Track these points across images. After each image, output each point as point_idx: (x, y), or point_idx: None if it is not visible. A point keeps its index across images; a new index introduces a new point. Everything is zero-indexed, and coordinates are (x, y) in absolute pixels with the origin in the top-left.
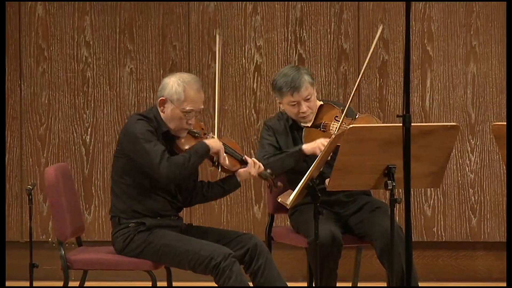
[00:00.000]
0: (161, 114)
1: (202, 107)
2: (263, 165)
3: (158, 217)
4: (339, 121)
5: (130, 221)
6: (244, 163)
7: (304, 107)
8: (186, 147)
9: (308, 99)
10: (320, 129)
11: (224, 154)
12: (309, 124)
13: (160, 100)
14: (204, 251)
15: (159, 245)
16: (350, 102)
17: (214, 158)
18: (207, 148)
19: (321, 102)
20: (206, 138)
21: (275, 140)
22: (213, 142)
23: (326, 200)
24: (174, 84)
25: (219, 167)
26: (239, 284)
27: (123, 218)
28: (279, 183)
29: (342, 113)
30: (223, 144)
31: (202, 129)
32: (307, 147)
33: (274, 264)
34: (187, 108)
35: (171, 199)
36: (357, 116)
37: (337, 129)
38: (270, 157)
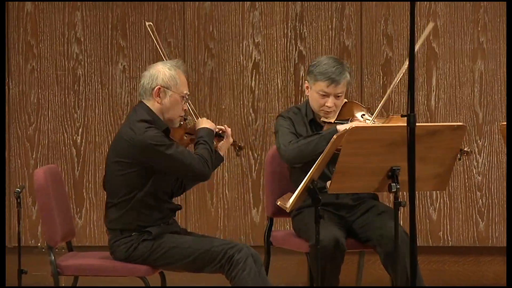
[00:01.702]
0: (156, 106)
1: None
2: (291, 150)
3: (161, 224)
4: (369, 119)
5: (133, 231)
6: (221, 136)
7: (331, 102)
8: (180, 140)
9: (339, 96)
10: None
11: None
12: (332, 120)
13: (156, 89)
14: (215, 247)
15: (166, 248)
16: (383, 104)
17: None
18: (210, 132)
19: (345, 100)
20: (187, 123)
21: (294, 129)
22: (207, 123)
23: (332, 202)
24: (165, 70)
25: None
26: (252, 278)
27: (126, 230)
28: (241, 144)
29: (368, 112)
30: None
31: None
32: (342, 128)
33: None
34: (185, 91)
35: (169, 201)
36: (390, 116)
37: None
38: (299, 141)
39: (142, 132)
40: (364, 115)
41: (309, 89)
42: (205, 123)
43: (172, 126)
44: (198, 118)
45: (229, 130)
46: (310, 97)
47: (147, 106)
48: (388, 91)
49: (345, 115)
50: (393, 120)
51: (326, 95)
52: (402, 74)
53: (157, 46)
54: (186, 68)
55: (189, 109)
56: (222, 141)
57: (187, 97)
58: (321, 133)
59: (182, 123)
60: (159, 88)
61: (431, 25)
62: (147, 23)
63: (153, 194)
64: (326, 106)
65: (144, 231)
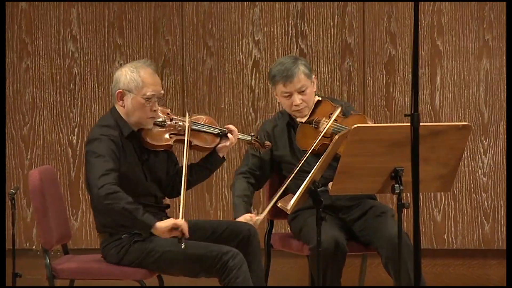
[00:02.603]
0: (121, 110)
1: (163, 92)
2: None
3: None
4: (330, 118)
5: (122, 233)
6: (221, 135)
7: (297, 99)
8: (158, 141)
9: (302, 91)
10: (312, 125)
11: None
12: (303, 120)
13: (118, 93)
14: (210, 252)
15: (160, 252)
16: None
17: (179, 235)
18: (150, 223)
19: (319, 98)
20: (174, 124)
21: (269, 153)
22: (164, 223)
23: (330, 205)
24: (127, 73)
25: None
26: (246, 285)
27: (115, 233)
28: (266, 142)
29: (340, 111)
30: (194, 122)
31: (168, 114)
32: (160, 225)
33: (260, 260)
34: (148, 93)
35: (155, 202)
36: (351, 113)
37: (326, 127)
38: (243, 177)
39: (90, 137)
40: (331, 114)
41: (276, 95)
42: (162, 223)
43: (145, 127)
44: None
45: (235, 131)
46: (280, 102)
47: (117, 113)
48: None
49: (315, 114)
50: (350, 119)
51: (289, 94)
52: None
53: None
54: (156, 67)
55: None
56: (225, 144)
57: (155, 97)
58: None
59: (164, 123)
60: (121, 92)
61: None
62: (187, 119)
63: (131, 197)
64: (295, 105)
65: (134, 233)
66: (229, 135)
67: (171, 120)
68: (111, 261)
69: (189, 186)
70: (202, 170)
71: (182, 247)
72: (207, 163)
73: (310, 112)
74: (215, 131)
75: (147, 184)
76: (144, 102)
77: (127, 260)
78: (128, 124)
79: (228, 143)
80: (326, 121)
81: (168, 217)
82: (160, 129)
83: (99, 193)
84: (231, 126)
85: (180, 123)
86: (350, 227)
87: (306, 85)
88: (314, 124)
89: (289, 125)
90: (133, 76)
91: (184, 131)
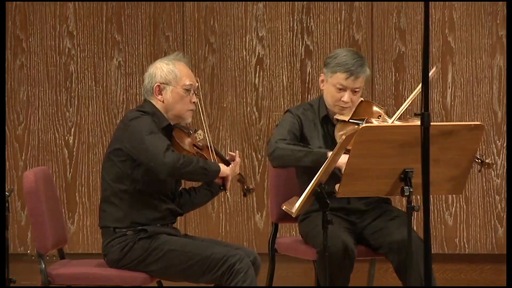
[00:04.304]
0: (160, 104)
1: (198, 84)
2: (274, 149)
3: (158, 225)
4: (385, 121)
5: (128, 229)
6: (228, 163)
7: (347, 97)
8: (183, 142)
9: (357, 91)
10: (359, 125)
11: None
12: (346, 118)
13: (156, 87)
14: (216, 254)
15: (164, 251)
16: (404, 109)
17: (221, 183)
18: (218, 169)
19: (362, 99)
20: (196, 136)
21: (299, 129)
22: (223, 167)
23: (343, 207)
24: (162, 66)
25: (226, 191)
26: None
27: (119, 228)
28: (251, 186)
29: (386, 114)
30: (214, 147)
31: (190, 127)
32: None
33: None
34: (187, 82)
35: (171, 205)
36: (409, 118)
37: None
38: (290, 146)
39: (134, 117)
40: (380, 116)
41: (324, 82)
42: (222, 166)
43: (183, 122)
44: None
45: (238, 159)
46: (325, 90)
47: (152, 103)
48: (410, 99)
49: (360, 114)
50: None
51: (343, 88)
52: (415, 96)
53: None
54: (188, 59)
55: (204, 120)
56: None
57: (193, 89)
58: (311, 150)
59: (190, 132)
60: (158, 85)
61: (434, 68)
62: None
63: (146, 190)
64: (342, 101)
65: (139, 229)
66: (237, 158)
67: (195, 131)
68: (113, 259)
69: (192, 207)
70: (205, 193)
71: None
72: (211, 187)
73: (352, 112)
74: (224, 157)
75: (168, 181)
76: (184, 93)
77: (129, 258)
78: (165, 116)
79: (230, 168)
80: (377, 121)
81: (177, 234)
82: (185, 135)
83: (171, 164)
84: (234, 157)
85: (201, 138)
86: (362, 232)
87: (362, 87)
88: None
89: (325, 121)
90: (170, 68)
91: (204, 146)
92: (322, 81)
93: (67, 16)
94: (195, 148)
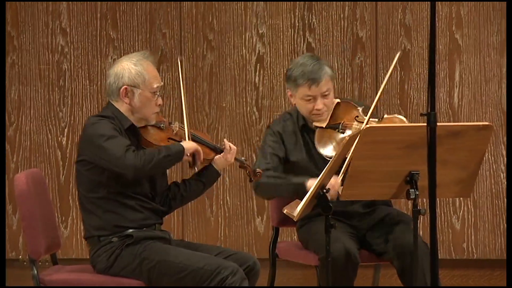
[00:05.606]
0: (125, 107)
1: (162, 83)
2: (256, 186)
3: (143, 228)
4: (362, 122)
5: (113, 235)
6: (217, 150)
7: (320, 103)
8: (155, 139)
9: (326, 95)
10: (339, 131)
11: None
12: (323, 125)
13: (123, 90)
14: (208, 265)
15: (155, 261)
16: (376, 102)
17: (191, 160)
18: (181, 148)
19: (338, 100)
20: (172, 129)
21: (281, 148)
22: (187, 144)
23: (342, 211)
24: (130, 68)
25: (196, 167)
26: None
27: (103, 236)
28: (258, 170)
29: (364, 113)
30: (192, 134)
31: (164, 120)
32: (312, 183)
33: None
34: (155, 85)
35: (151, 204)
36: (384, 117)
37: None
38: (270, 178)
39: (91, 123)
40: (357, 117)
41: (292, 97)
42: (184, 142)
43: (148, 124)
44: (179, 124)
45: (233, 148)
46: (297, 104)
47: (115, 108)
48: (380, 91)
49: (337, 118)
50: (386, 122)
51: (312, 98)
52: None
53: (181, 82)
54: (155, 58)
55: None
56: (219, 155)
57: (158, 92)
58: (290, 182)
59: (163, 126)
60: (126, 88)
61: (398, 54)
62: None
63: (121, 193)
64: (316, 109)
65: (126, 235)
66: (226, 144)
67: (169, 124)
68: (101, 268)
69: (182, 202)
70: (196, 184)
71: (196, 170)
72: (202, 177)
73: (329, 116)
74: (211, 145)
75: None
76: (151, 96)
77: (118, 266)
78: (127, 118)
79: (222, 156)
80: (357, 125)
81: (166, 237)
82: (158, 131)
83: (133, 166)
84: (228, 145)
85: (179, 129)
86: (364, 236)
87: (330, 88)
88: (341, 129)
89: (304, 129)
90: (138, 70)
91: (183, 138)
92: (291, 95)
93: (60, 12)
94: (171, 141)
